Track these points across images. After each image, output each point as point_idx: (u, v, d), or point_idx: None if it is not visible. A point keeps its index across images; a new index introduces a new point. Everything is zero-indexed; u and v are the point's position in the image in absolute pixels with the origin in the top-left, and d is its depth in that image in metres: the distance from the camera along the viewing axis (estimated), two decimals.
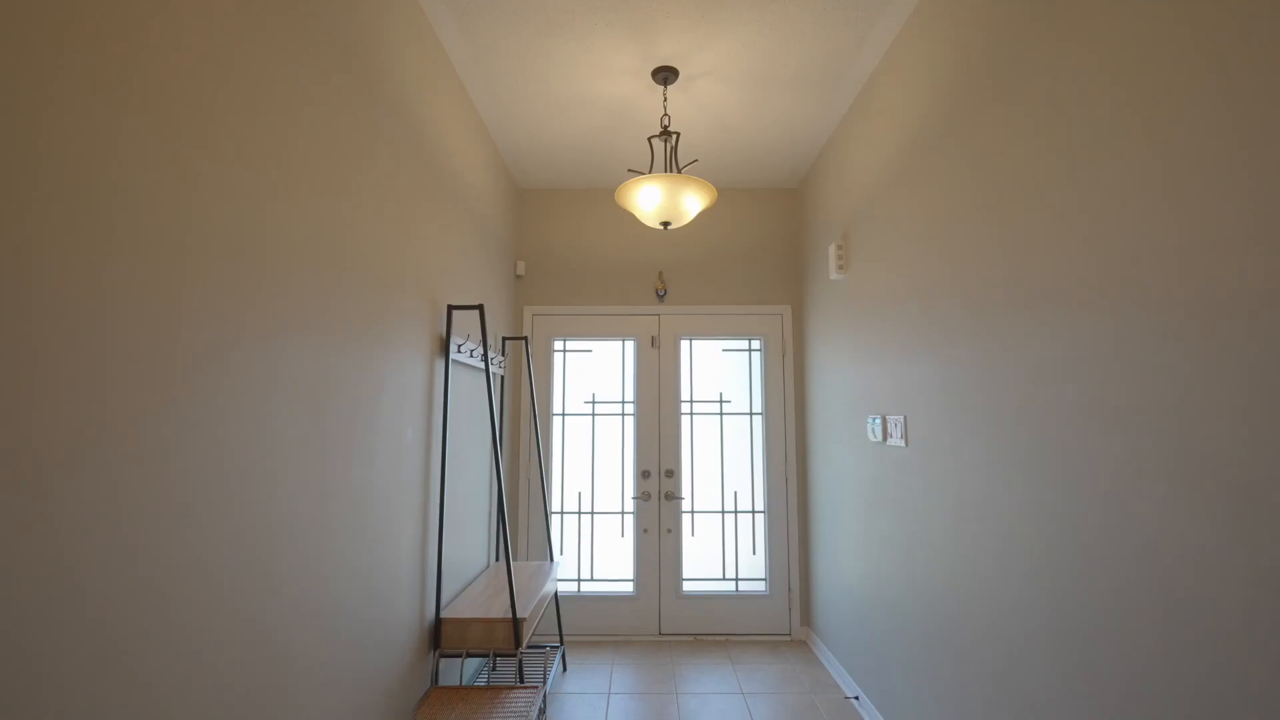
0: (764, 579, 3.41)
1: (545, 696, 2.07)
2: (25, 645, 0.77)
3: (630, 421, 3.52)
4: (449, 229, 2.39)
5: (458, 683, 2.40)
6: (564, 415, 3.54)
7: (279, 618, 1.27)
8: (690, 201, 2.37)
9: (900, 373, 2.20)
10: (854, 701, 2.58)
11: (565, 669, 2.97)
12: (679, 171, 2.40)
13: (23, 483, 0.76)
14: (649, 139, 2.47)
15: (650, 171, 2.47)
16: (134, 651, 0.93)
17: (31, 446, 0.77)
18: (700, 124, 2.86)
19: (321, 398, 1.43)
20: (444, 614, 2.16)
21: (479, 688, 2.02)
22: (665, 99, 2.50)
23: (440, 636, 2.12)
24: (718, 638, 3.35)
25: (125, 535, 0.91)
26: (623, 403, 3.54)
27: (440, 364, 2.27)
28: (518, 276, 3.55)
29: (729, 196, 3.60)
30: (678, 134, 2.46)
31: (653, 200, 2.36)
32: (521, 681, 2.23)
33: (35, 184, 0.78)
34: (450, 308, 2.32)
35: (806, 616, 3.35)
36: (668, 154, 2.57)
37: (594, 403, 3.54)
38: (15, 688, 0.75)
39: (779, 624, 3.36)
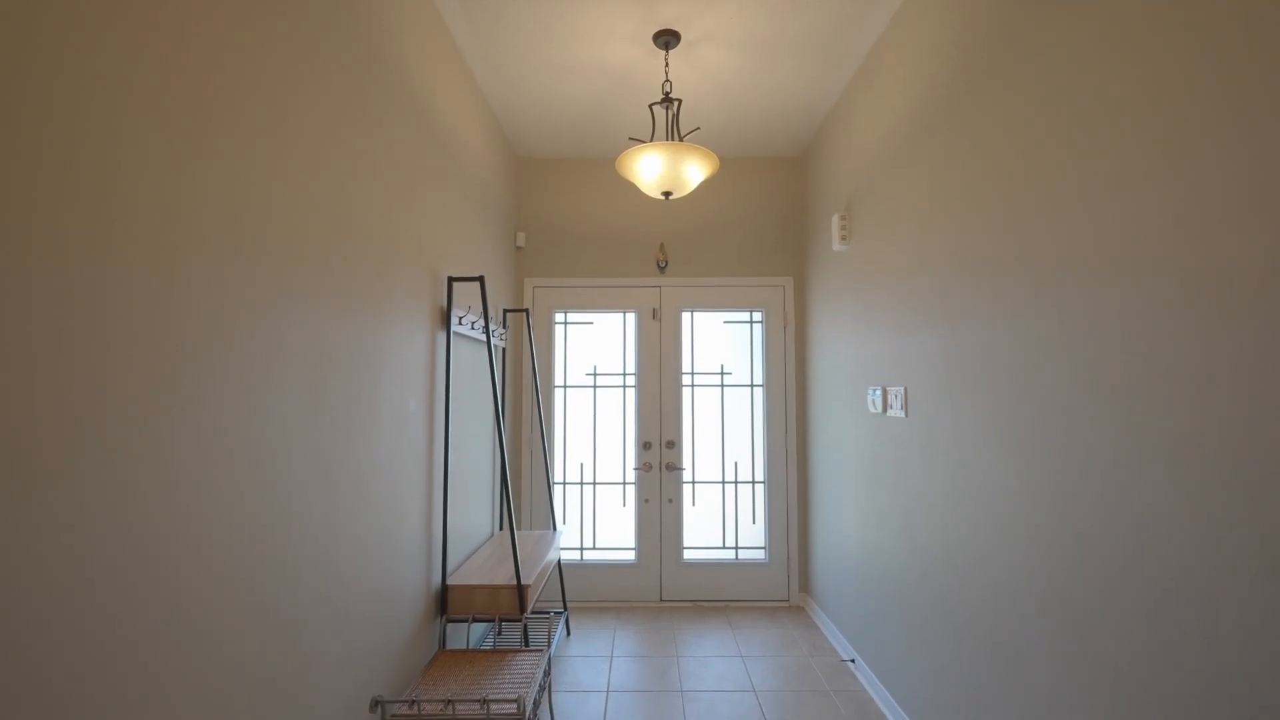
0: (763, 547, 3.47)
1: (550, 659, 2.13)
2: (34, 635, 0.77)
3: (632, 393, 3.53)
4: (449, 199, 2.36)
5: (464, 646, 2.47)
6: (565, 387, 3.55)
7: (285, 592, 1.29)
8: (692, 170, 2.34)
9: (901, 344, 2.20)
10: (850, 664, 2.65)
11: (569, 633, 3.04)
12: (680, 140, 2.35)
13: (23, 463, 0.77)
14: (650, 106, 2.42)
15: (651, 140, 2.43)
16: (140, 635, 0.93)
17: (33, 423, 0.78)
18: (702, 90, 2.79)
19: (324, 370, 1.44)
20: (450, 581, 2.21)
21: (485, 651, 2.08)
22: (667, 64, 2.44)
23: (447, 602, 2.17)
24: (717, 604, 3.42)
25: (127, 516, 0.90)
26: (624, 375, 3.55)
27: (441, 336, 2.27)
28: (518, 248, 3.52)
29: (731, 166, 3.54)
30: (679, 101, 2.41)
31: (654, 169, 2.32)
32: (527, 645, 2.29)
33: (39, 152, 0.77)
34: (451, 279, 2.31)
35: (805, 583, 3.42)
36: (669, 121, 2.51)
37: (595, 375, 3.55)
38: (22, 676, 0.76)
39: (778, 591, 3.44)
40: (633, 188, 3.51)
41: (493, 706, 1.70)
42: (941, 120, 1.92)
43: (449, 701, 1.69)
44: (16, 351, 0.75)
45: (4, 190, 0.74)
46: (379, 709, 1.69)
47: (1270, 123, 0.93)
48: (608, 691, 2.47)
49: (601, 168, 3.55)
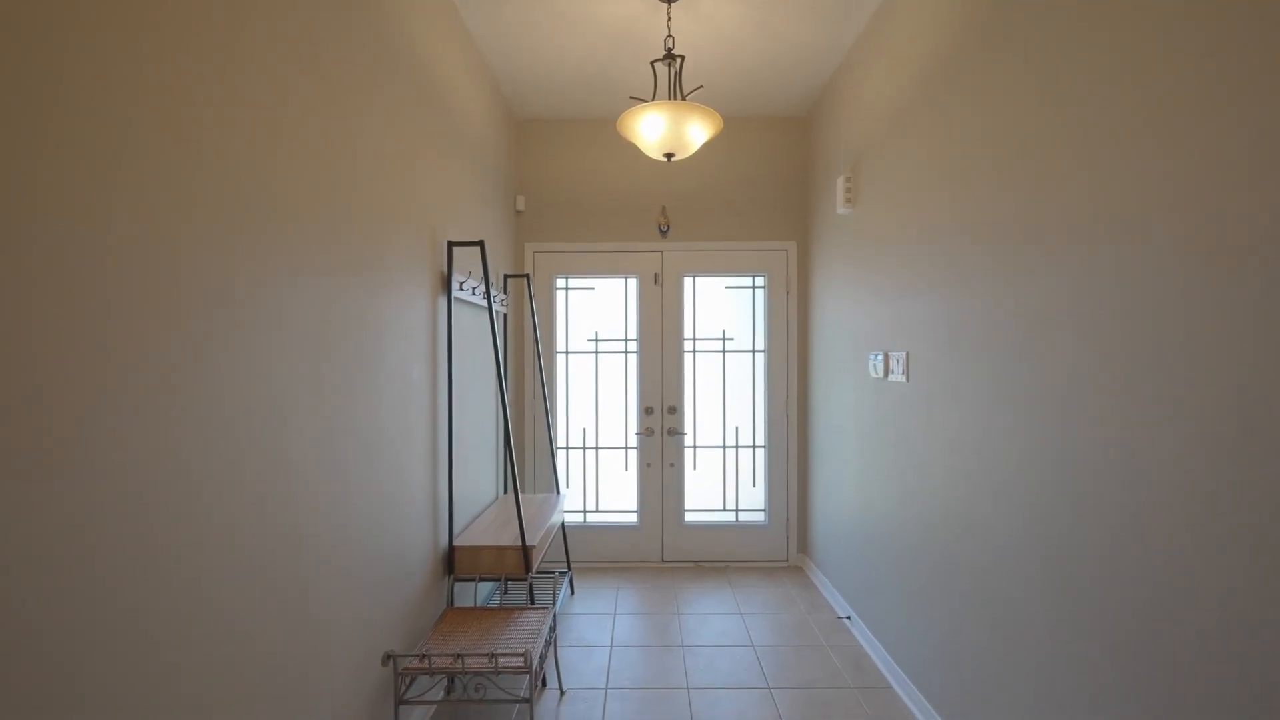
0: (763, 510, 3.53)
1: (555, 616, 2.19)
2: (46, 621, 0.77)
3: (634, 359, 3.54)
4: (448, 162, 2.32)
5: (472, 604, 2.54)
6: (567, 353, 3.56)
7: (293, 557, 1.30)
8: (695, 131, 2.28)
9: (904, 309, 2.19)
10: (846, 621, 2.73)
11: (573, 592, 3.13)
12: (683, 99, 2.29)
13: (20, 438, 0.76)
14: (652, 63, 2.36)
15: (653, 99, 2.37)
16: (146, 608, 0.92)
17: (30, 396, 0.77)
18: (705, 46, 2.71)
19: (328, 337, 1.44)
20: (456, 542, 2.26)
21: (492, 608, 2.14)
22: (669, 18, 2.36)
23: (453, 563, 2.23)
24: (718, 564, 3.50)
25: (129, 489, 0.89)
26: (625, 340, 3.55)
27: (443, 302, 2.26)
28: (518, 212, 3.47)
29: (735, 126, 3.46)
30: (682, 57, 2.33)
31: (656, 130, 2.27)
32: (532, 603, 2.36)
33: (48, 118, 0.75)
34: (451, 244, 2.28)
35: (803, 544, 3.49)
36: (671, 79, 2.44)
37: (597, 340, 3.55)
38: (34, 655, 0.76)
39: (776, 551, 3.51)
40: (634, 150, 3.44)
41: (501, 660, 1.76)
42: (947, 83, 1.87)
43: (458, 655, 1.75)
44: (14, 323, 0.75)
45: (3, 158, 0.72)
46: (391, 662, 1.75)
47: (1264, 86, 0.93)
48: (611, 646, 2.55)
49: (602, 129, 3.47)
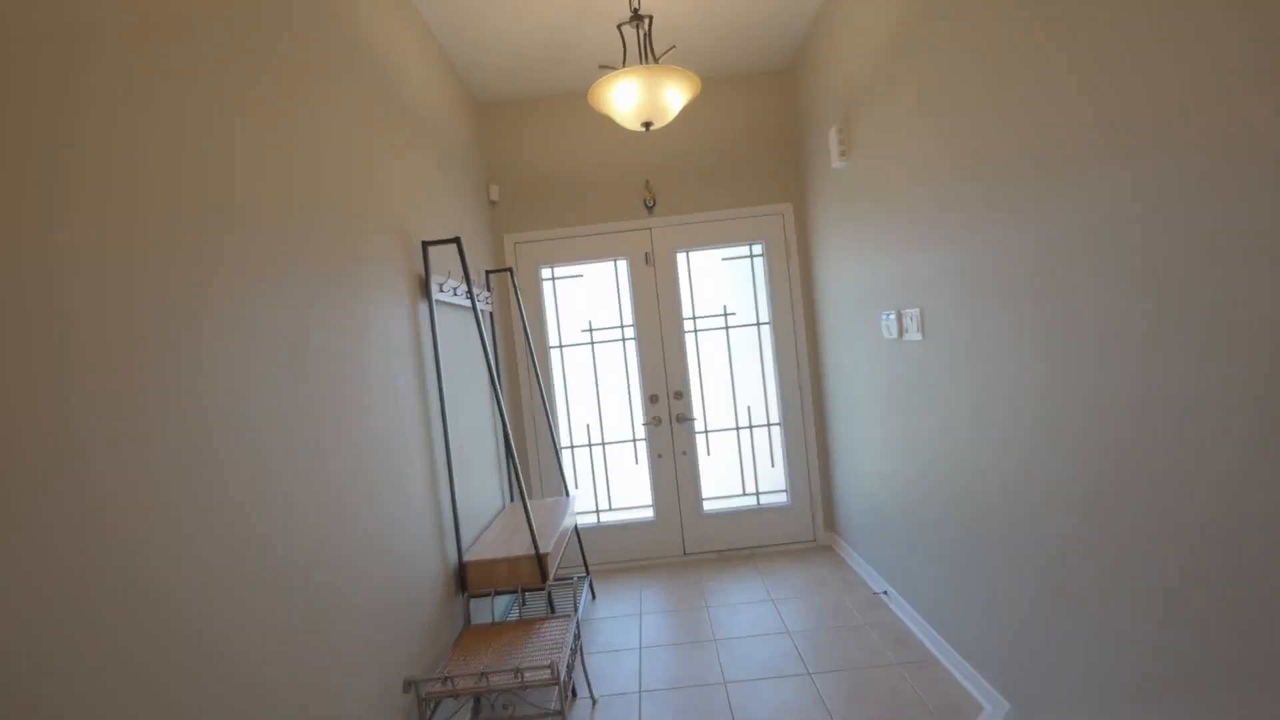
0: (784, 490, 3.41)
1: (578, 623, 2.08)
2: (30, 659, 0.69)
3: (632, 346, 3.39)
4: (412, 157, 2.17)
5: (490, 620, 2.43)
6: (561, 347, 3.41)
7: (292, 589, 1.21)
8: (672, 95, 2.12)
9: (913, 263, 2.04)
10: (883, 596, 2.61)
11: (594, 597, 3.01)
12: (656, 61, 2.13)
13: None
14: (618, 26, 2.19)
15: (624, 65, 2.20)
16: (145, 662, 0.86)
17: None
18: (673, 1, 2.53)
19: (305, 355, 1.33)
20: (467, 557, 2.14)
21: (512, 623, 2.02)
22: None
23: (466, 579, 2.11)
24: (743, 551, 3.38)
25: (115, 535, 0.83)
26: (622, 327, 3.40)
27: (424, 306, 2.12)
28: (492, 203, 3.31)
29: (714, 85, 3.28)
30: (650, 17, 2.17)
31: (630, 98, 2.11)
32: (553, 612, 2.24)
33: None
34: (425, 244, 2.14)
35: (829, 521, 3.36)
36: (641, 42, 2.28)
37: (591, 330, 3.41)
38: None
39: (802, 531, 3.39)
40: (609, 123, 3.26)
41: (527, 674, 1.66)
42: (936, 16, 1.71)
43: (482, 674, 1.65)
44: None
45: None
46: (413, 689, 1.64)
47: None
48: (640, 648, 2.44)
49: (573, 104, 3.29)
